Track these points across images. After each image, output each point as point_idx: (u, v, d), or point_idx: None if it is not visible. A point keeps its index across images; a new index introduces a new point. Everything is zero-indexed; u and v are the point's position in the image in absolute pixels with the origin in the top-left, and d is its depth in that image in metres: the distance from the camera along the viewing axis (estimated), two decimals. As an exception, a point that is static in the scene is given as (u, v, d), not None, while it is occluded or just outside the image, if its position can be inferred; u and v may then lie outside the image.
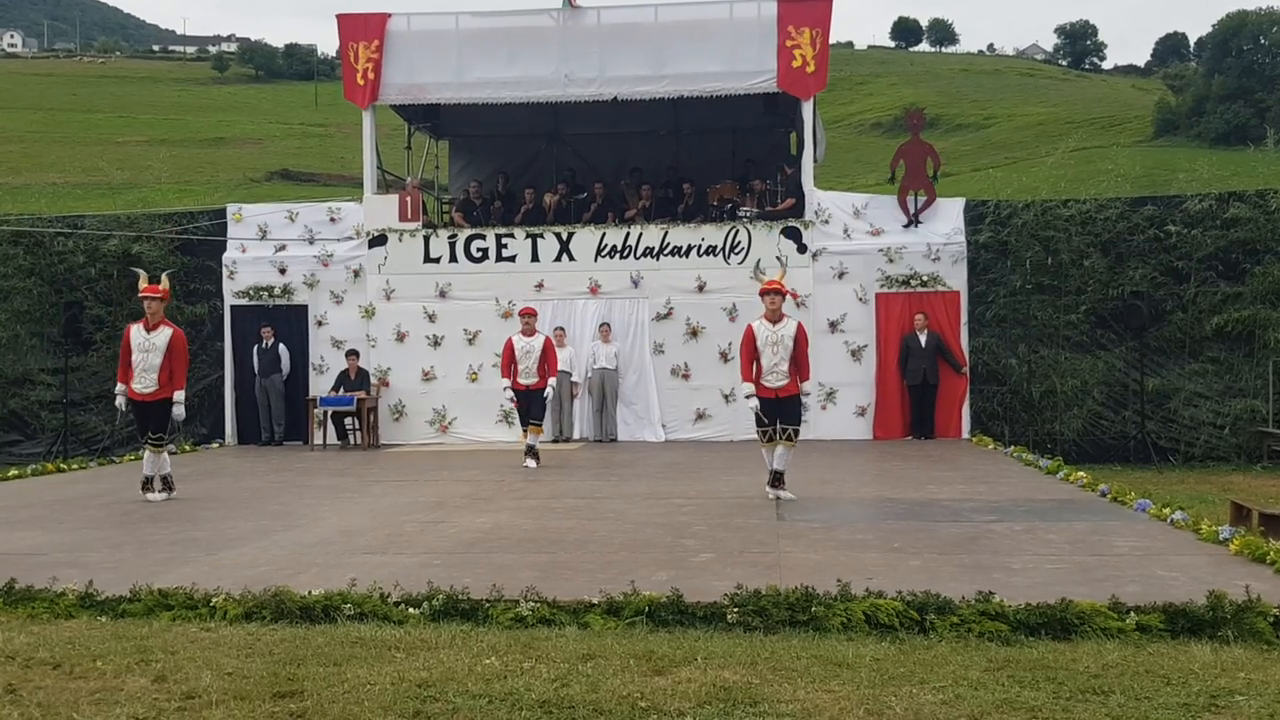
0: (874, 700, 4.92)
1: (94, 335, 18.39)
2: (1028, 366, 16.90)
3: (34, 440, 18.43)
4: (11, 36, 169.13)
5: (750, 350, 10.72)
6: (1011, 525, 9.15)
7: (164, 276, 11.98)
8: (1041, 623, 6.01)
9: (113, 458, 16.06)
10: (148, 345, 11.32)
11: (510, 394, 14.09)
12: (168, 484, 11.64)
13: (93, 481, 13.45)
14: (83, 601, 6.79)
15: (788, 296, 11.29)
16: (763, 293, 11.00)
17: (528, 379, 13.85)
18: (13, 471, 14.53)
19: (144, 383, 11.34)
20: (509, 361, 13.95)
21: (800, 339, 10.73)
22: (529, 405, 13.99)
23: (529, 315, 14.27)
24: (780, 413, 10.65)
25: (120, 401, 11.62)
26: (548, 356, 13.94)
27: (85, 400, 18.34)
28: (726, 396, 16.94)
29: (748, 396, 10.82)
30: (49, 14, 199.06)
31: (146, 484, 11.58)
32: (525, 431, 14.14)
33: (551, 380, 14.05)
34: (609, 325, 17.23)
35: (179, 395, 11.39)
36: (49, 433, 18.27)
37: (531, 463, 13.91)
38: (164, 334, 11.38)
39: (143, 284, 11.67)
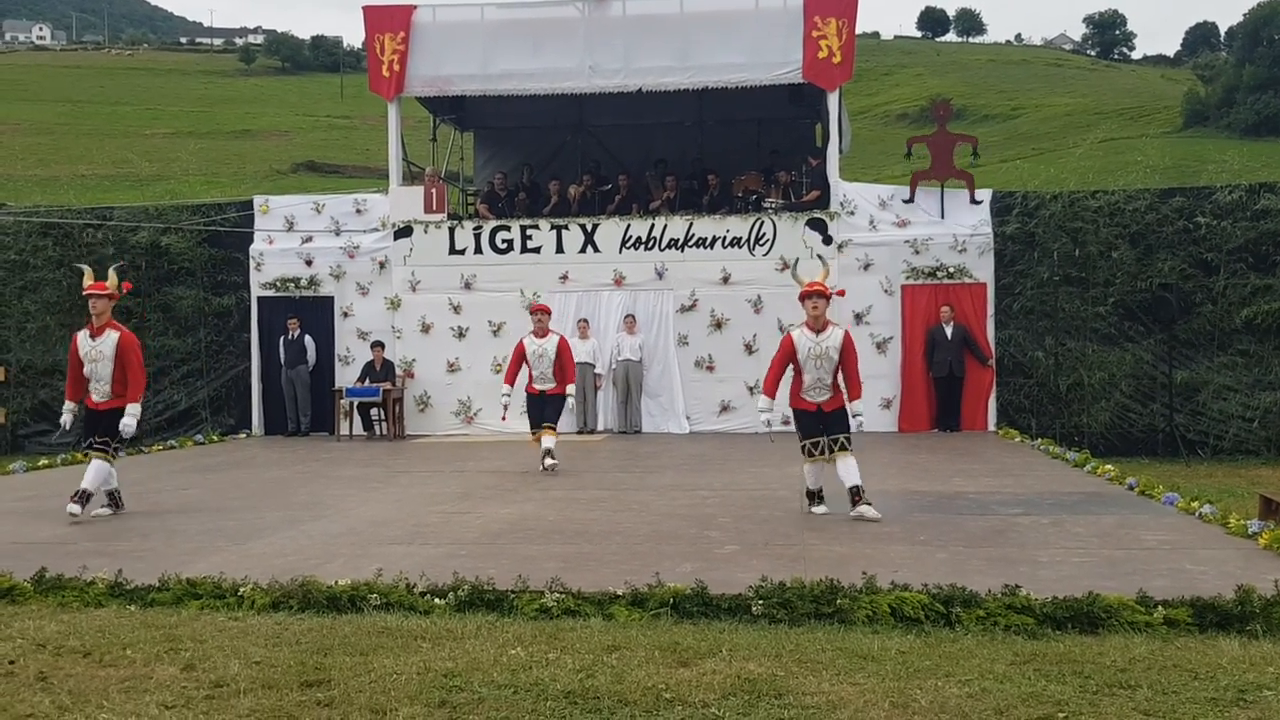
0: (899, 693, 4.91)
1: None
2: (1055, 359, 16.79)
3: (64, 431, 18.56)
4: (40, 29, 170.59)
5: (784, 362, 9.48)
6: (1038, 518, 9.11)
7: (111, 272, 10.47)
8: (1068, 616, 5.99)
9: (141, 448, 16.17)
10: (94, 354, 10.04)
11: (507, 399, 12.93)
12: (115, 499, 10.29)
13: (121, 471, 13.47)
14: (112, 590, 6.85)
15: (833, 299, 9.68)
16: (803, 297, 9.47)
17: (544, 384, 12.64)
18: (43, 461, 14.67)
19: (99, 393, 10.12)
20: (516, 366, 12.76)
21: (848, 350, 9.39)
22: (543, 409, 12.73)
23: (542, 313, 12.96)
24: (825, 426, 9.44)
25: (66, 420, 10.43)
26: (564, 359, 12.69)
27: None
28: (751, 389, 16.89)
29: (762, 411, 9.67)
30: (77, 7, 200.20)
31: (114, 499, 10.22)
32: (535, 436, 12.87)
33: (570, 387, 12.82)
34: (633, 317, 17.22)
35: (132, 408, 10.00)
36: (78, 424, 18.37)
37: (551, 460, 12.64)
38: (110, 339, 10.03)
39: (87, 280, 10.30)
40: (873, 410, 16.67)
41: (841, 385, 9.54)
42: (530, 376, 12.77)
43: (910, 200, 17.12)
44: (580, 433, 17.08)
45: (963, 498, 10.32)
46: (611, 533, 8.77)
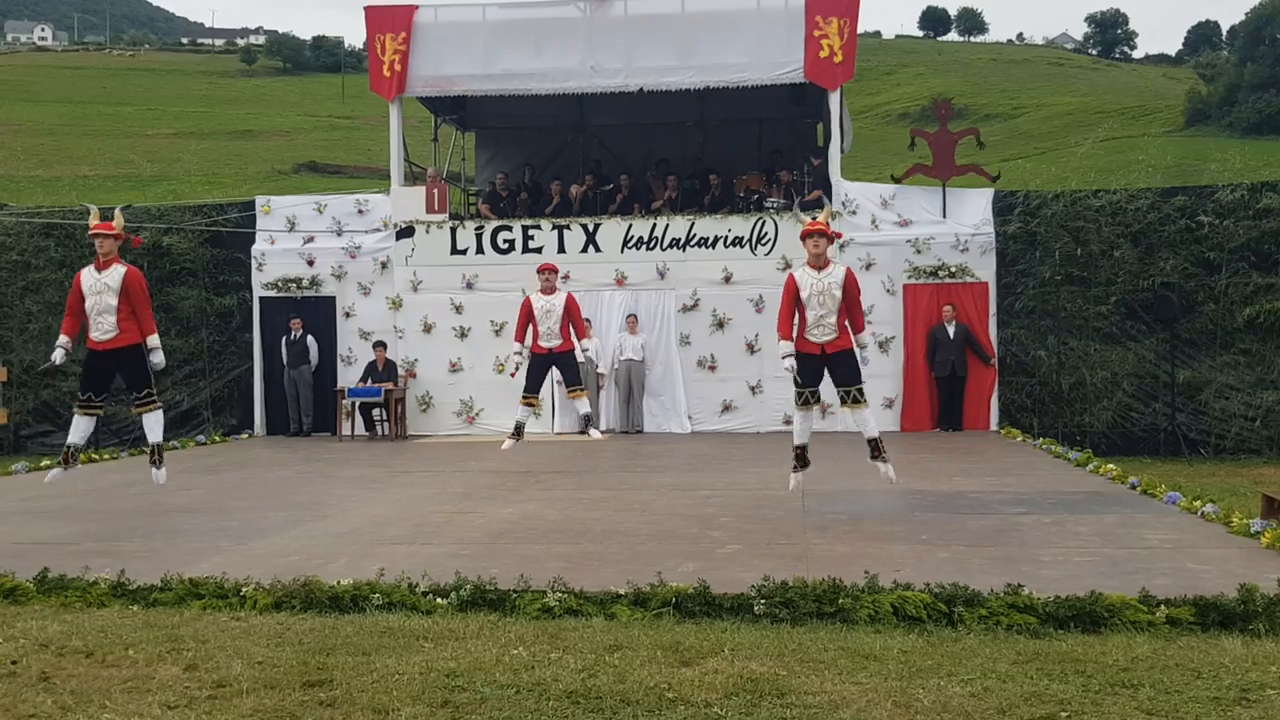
0: (902, 692, 4.91)
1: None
2: (1057, 358, 16.79)
3: (66, 431, 18.53)
4: (42, 30, 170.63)
5: (791, 302, 9.51)
6: (1040, 517, 9.11)
7: (117, 212, 10.51)
8: (1070, 615, 5.99)
9: (143, 448, 16.15)
10: (99, 286, 9.89)
11: (519, 358, 12.63)
12: (158, 454, 10.31)
13: (124, 471, 13.59)
14: (115, 590, 6.85)
15: (834, 240, 9.71)
16: (804, 235, 9.55)
17: (549, 341, 12.41)
18: (45, 461, 14.67)
19: (101, 328, 9.89)
20: (525, 323, 12.62)
21: (850, 286, 9.48)
22: (561, 369, 12.60)
23: (549, 272, 12.74)
24: (831, 371, 9.55)
25: (58, 355, 10.20)
26: (573, 315, 12.49)
27: (116, 391, 18.43)
28: (753, 388, 16.95)
29: (784, 356, 9.60)
30: (79, 7, 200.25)
31: (70, 455, 10.22)
32: (526, 399, 12.55)
33: (584, 343, 12.72)
34: (635, 317, 17.23)
35: (153, 340, 10.05)
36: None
37: (514, 440, 12.58)
38: (117, 271, 9.94)
39: (93, 220, 10.25)
40: (875, 409, 16.61)
41: (847, 325, 9.58)
42: (536, 334, 12.57)
43: (897, 180, 17.12)
44: (582, 432, 17.07)
45: (965, 497, 10.31)
46: (613, 532, 8.77)
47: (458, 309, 17.55)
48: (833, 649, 5.57)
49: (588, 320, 16.88)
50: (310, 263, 18.11)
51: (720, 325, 17.12)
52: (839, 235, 10.26)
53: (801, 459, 9.87)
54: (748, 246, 17.04)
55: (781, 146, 19.96)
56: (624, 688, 4.98)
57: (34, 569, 7.16)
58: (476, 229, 17.71)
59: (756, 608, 6.22)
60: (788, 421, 16.50)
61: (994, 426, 16.65)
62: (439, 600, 6.48)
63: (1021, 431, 16.04)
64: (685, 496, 10.64)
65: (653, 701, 4.82)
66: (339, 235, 18.15)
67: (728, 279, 17.07)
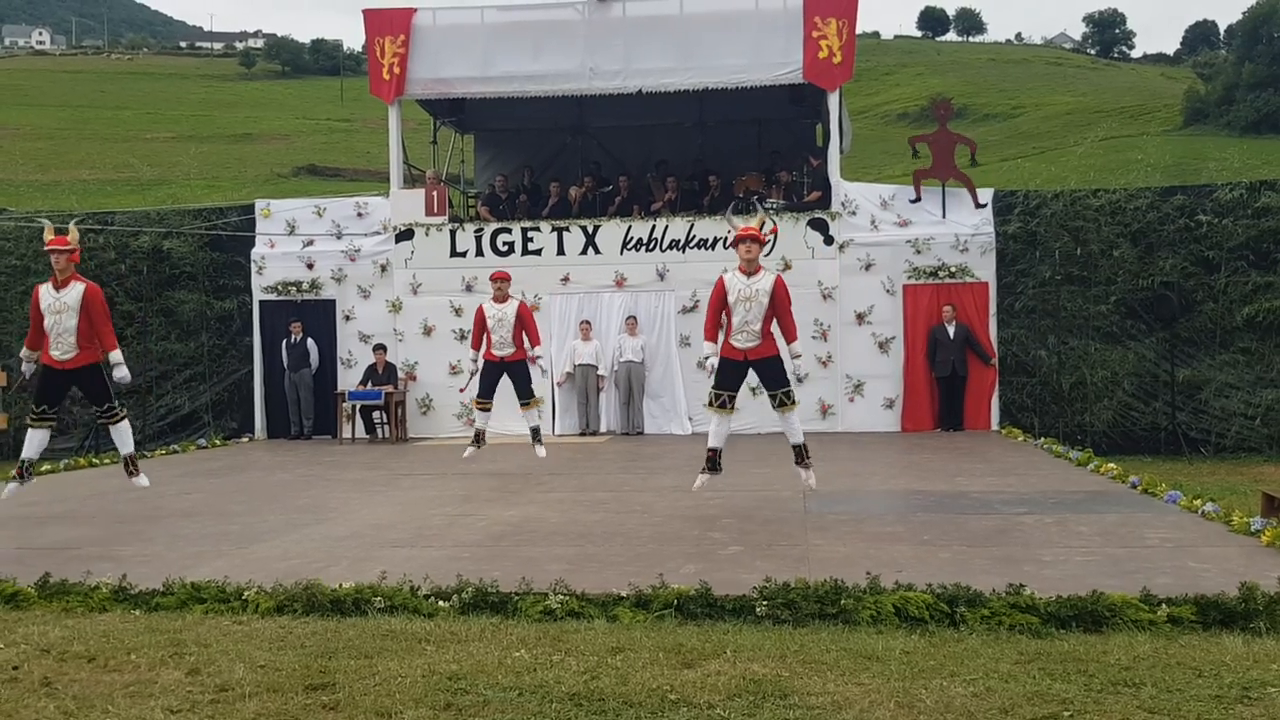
0: (904, 693, 4.91)
1: (124, 331, 18.49)
2: (1057, 358, 16.79)
3: (66, 435, 18.53)
4: (40, 34, 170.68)
5: (718, 304, 9.47)
6: (1041, 517, 9.11)
7: (71, 226, 10.36)
8: (1072, 615, 5.98)
9: (144, 452, 16.15)
10: (58, 305, 9.91)
11: (475, 364, 12.85)
12: (132, 464, 10.42)
13: (124, 476, 13.54)
14: (116, 595, 6.84)
15: (765, 244, 9.58)
16: (737, 241, 9.50)
17: (502, 350, 12.56)
18: (45, 466, 14.64)
19: (61, 348, 9.96)
20: (480, 331, 12.70)
21: (779, 294, 9.39)
22: (512, 378, 12.68)
23: (500, 280, 12.80)
24: (760, 377, 9.55)
25: (26, 369, 10.36)
26: (525, 323, 12.62)
27: (116, 396, 18.43)
28: (754, 390, 16.83)
29: (706, 357, 9.68)
30: (77, 11, 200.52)
31: (24, 469, 10.23)
32: (479, 404, 12.91)
33: (535, 350, 12.78)
34: (635, 318, 17.23)
35: (115, 355, 10.12)
36: (81, 428, 18.39)
37: (474, 447, 13.01)
38: (75, 290, 9.94)
39: (48, 235, 10.13)
40: (875, 409, 16.78)
41: (774, 332, 9.53)
42: (489, 342, 12.69)
43: (917, 200, 17.09)
44: (583, 434, 17.10)
45: (966, 497, 10.31)
46: (615, 534, 8.76)
47: (457, 311, 17.54)
48: (835, 650, 5.56)
49: (587, 323, 16.98)
50: (310, 266, 18.11)
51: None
52: (775, 230, 10.15)
53: (713, 463, 9.74)
54: (747, 247, 17.00)
55: (781, 147, 19.95)
56: (626, 690, 4.98)
57: (35, 574, 7.15)
58: (476, 231, 17.72)
59: (758, 609, 6.21)
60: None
61: (995, 426, 16.64)
62: (441, 603, 6.48)
63: (1022, 431, 16.04)
64: (686, 498, 10.62)
65: (655, 703, 4.82)
66: (338, 238, 18.16)
67: (727, 280, 17.05)
